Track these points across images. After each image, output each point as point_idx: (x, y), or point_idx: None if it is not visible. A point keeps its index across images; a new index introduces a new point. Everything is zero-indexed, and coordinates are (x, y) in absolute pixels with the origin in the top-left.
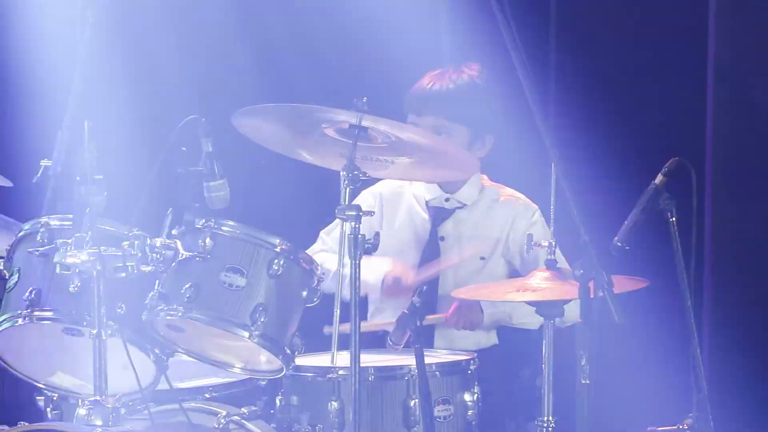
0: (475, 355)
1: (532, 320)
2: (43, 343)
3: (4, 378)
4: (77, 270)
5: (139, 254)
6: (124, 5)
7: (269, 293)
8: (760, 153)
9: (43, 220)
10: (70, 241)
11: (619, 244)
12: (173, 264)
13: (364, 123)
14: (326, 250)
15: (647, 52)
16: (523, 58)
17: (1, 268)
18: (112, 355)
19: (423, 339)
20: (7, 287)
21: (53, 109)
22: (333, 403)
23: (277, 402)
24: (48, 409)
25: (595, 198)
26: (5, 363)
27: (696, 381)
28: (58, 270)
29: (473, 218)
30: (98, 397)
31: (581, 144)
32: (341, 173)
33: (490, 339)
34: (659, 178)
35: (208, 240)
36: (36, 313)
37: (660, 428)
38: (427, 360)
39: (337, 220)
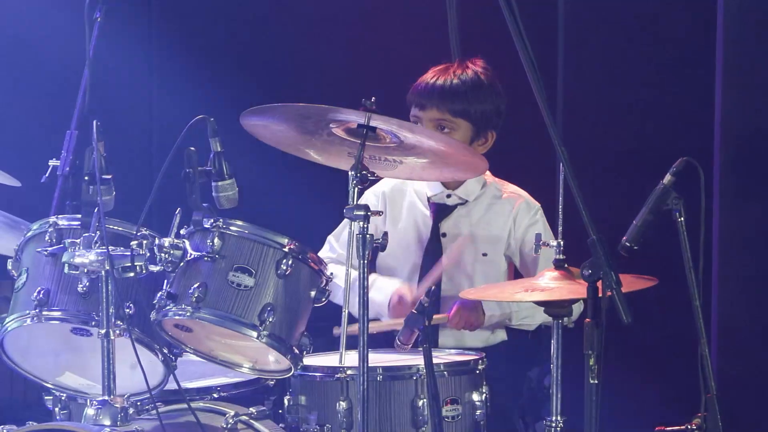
0: (484, 355)
1: (530, 322)
2: (51, 343)
3: (13, 378)
4: (85, 270)
5: (148, 254)
6: (131, 4)
7: (277, 293)
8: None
9: (52, 220)
10: (78, 241)
11: (628, 244)
12: (181, 264)
13: (372, 123)
14: (334, 260)
15: (656, 52)
16: (531, 56)
17: (10, 267)
18: (120, 355)
19: (431, 337)
20: (15, 287)
21: (61, 108)
22: (341, 402)
23: (286, 402)
24: (56, 409)
25: (603, 197)
26: (14, 363)
27: (704, 381)
28: (66, 270)
29: (475, 215)
30: (107, 397)
31: (589, 143)
32: (349, 173)
33: (499, 335)
34: (667, 178)
35: (216, 240)
36: (44, 313)
37: (668, 428)
38: (436, 360)
39: (344, 223)
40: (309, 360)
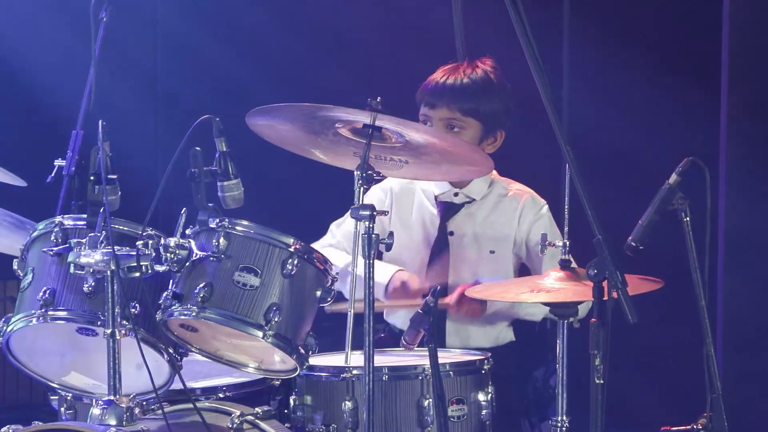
0: (489, 355)
1: (536, 311)
2: (57, 342)
3: (19, 378)
4: (91, 270)
5: (153, 254)
6: (139, 4)
7: (283, 293)
8: None
9: (57, 219)
10: (84, 240)
11: (633, 243)
12: (187, 264)
13: (378, 122)
14: (335, 245)
15: (661, 51)
16: (537, 55)
17: (15, 267)
18: (126, 355)
19: (437, 337)
20: (21, 287)
21: (67, 108)
22: (347, 402)
23: (291, 402)
24: (62, 409)
25: (609, 197)
26: (19, 363)
27: (710, 381)
28: (72, 270)
29: (482, 213)
30: (112, 397)
31: (595, 143)
32: (355, 173)
33: (507, 335)
34: (673, 178)
35: (222, 240)
36: (50, 312)
37: (673, 428)
38: (441, 360)
39: (349, 213)
40: (314, 360)
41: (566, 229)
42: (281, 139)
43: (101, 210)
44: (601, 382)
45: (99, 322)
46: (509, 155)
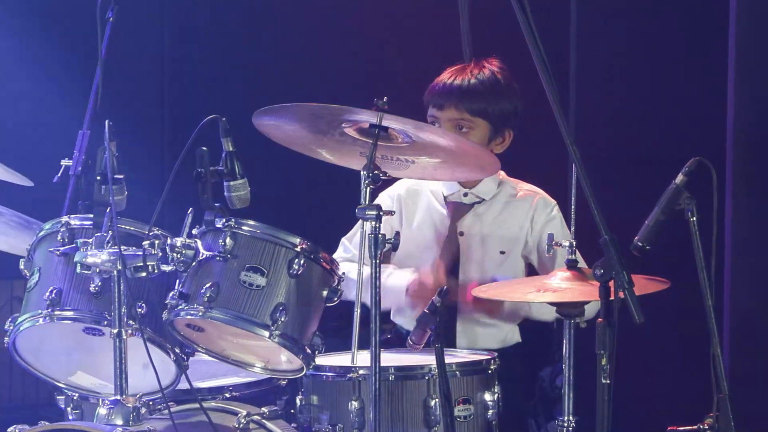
0: (496, 354)
1: (549, 310)
2: (63, 342)
3: (25, 377)
4: (98, 270)
5: (160, 254)
6: (144, 4)
7: (289, 293)
8: None
9: (64, 219)
10: (90, 240)
11: (640, 243)
12: (193, 264)
13: (385, 122)
14: (349, 259)
15: (668, 51)
16: (543, 55)
17: (22, 267)
18: (132, 355)
19: (445, 337)
20: (27, 287)
21: (74, 108)
22: (353, 402)
23: (298, 402)
24: (68, 409)
25: (616, 197)
26: (26, 363)
27: (716, 381)
28: (78, 270)
29: (492, 213)
30: (119, 397)
31: (601, 143)
32: (361, 173)
33: (514, 337)
34: (680, 178)
35: (228, 239)
36: (56, 312)
37: (680, 428)
38: (448, 359)
39: (358, 225)
40: (321, 360)
41: (572, 228)
42: (288, 139)
43: (108, 210)
44: (608, 382)
45: (105, 322)
46: (516, 155)
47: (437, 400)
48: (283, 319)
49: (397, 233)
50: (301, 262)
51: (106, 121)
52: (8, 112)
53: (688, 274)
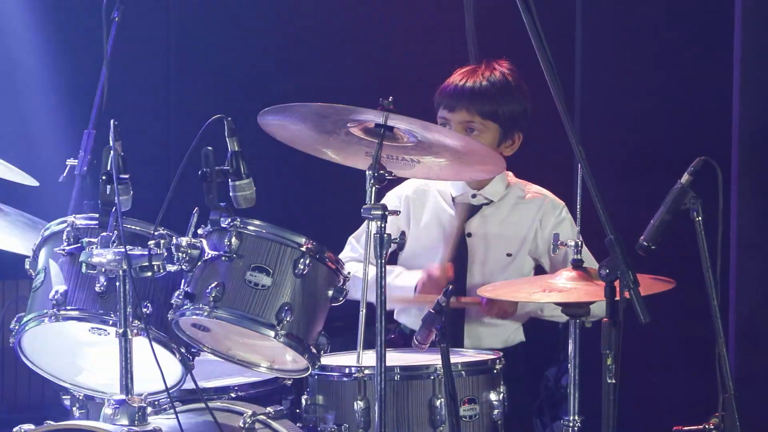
0: (501, 354)
1: (560, 312)
2: (68, 342)
3: (31, 377)
4: (103, 269)
5: (165, 254)
6: (150, 5)
7: (295, 292)
8: None
9: (69, 219)
10: (95, 240)
11: (645, 243)
12: (199, 263)
13: (390, 122)
14: (356, 258)
15: (673, 51)
16: (549, 56)
17: (27, 267)
18: (137, 355)
19: (452, 337)
20: (33, 286)
21: (79, 108)
22: (359, 402)
23: (303, 401)
24: (74, 408)
25: (621, 197)
26: (31, 362)
27: (722, 381)
28: (83, 269)
29: (500, 214)
30: (124, 396)
31: (607, 143)
32: (367, 172)
33: (518, 336)
34: (685, 178)
35: (233, 239)
36: (62, 312)
37: (686, 428)
38: (453, 359)
39: (365, 225)
40: (326, 359)
41: (578, 228)
42: (293, 138)
43: (113, 210)
44: (613, 381)
45: (111, 322)
46: (521, 155)
47: (443, 399)
48: (288, 319)
49: (403, 233)
50: (307, 261)
51: (112, 121)
52: (14, 111)
53: (694, 273)
